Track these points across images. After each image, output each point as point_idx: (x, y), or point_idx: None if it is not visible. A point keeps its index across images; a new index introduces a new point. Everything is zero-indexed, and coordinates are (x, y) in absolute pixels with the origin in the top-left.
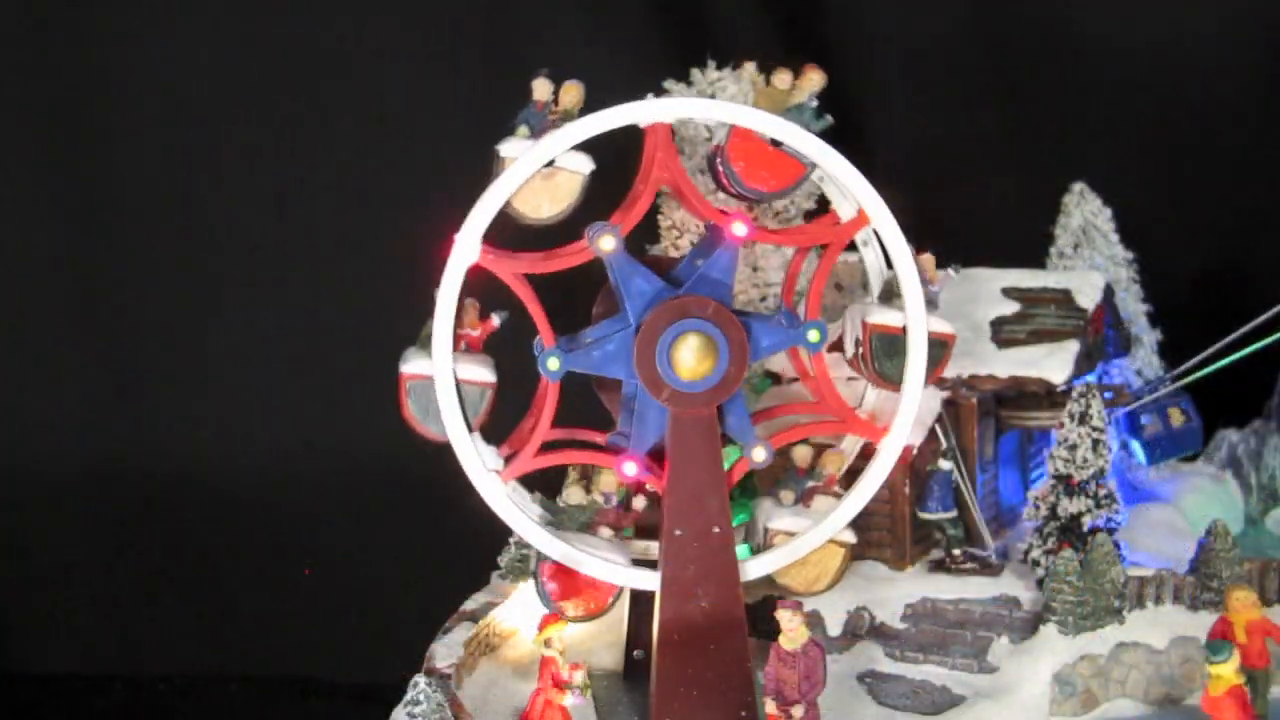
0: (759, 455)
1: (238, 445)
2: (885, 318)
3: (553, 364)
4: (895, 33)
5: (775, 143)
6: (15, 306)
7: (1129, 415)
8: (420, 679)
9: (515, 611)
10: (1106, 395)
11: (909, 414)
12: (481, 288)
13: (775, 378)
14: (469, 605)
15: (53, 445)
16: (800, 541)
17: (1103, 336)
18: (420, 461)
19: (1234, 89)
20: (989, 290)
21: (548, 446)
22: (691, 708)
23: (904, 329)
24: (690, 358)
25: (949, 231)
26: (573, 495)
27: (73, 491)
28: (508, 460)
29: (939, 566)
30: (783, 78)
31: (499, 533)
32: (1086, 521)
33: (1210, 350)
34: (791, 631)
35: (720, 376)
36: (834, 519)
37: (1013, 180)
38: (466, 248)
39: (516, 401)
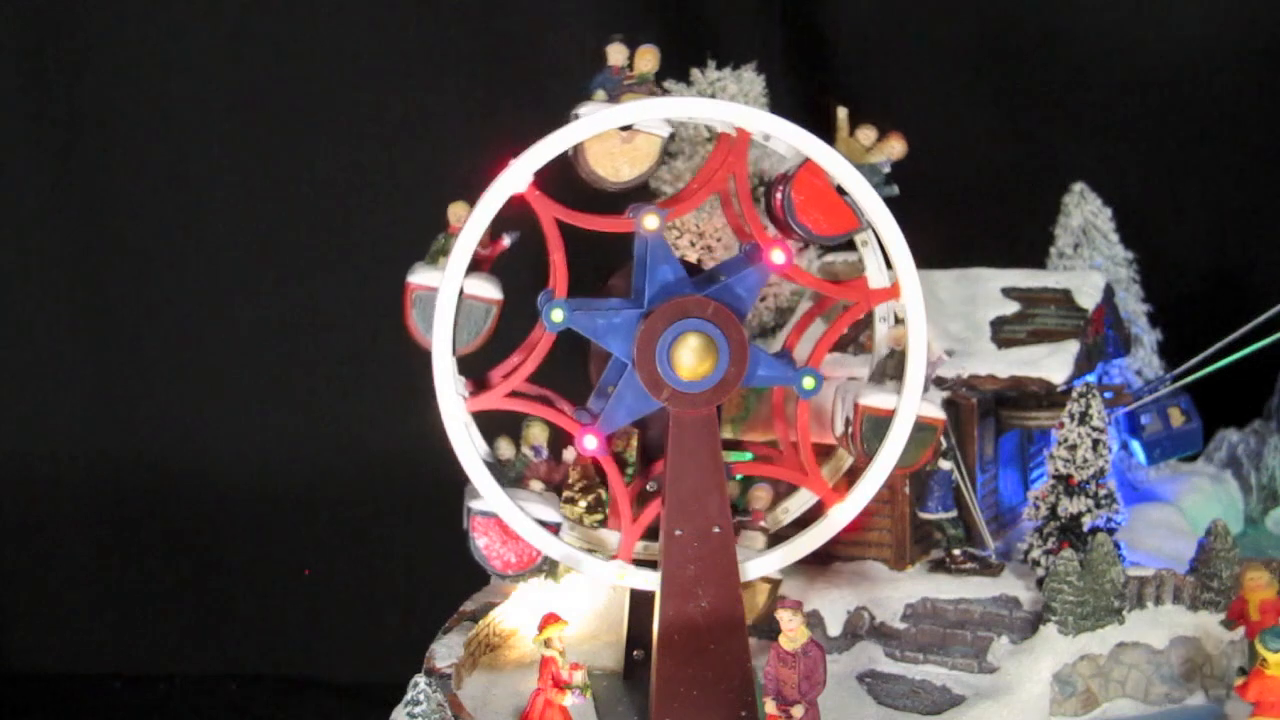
0: (809, 383)
1: (238, 445)
2: (878, 400)
3: (556, 315)
4: (896, 33)
5: (841, 191)
6: (15, 306)
7: (1129, 415)
8: (420, 679)
9: (515, 611)
10: (1106, 395)
11: (870, 489)
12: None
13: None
14: (469, 605)
15: (53, 445)
16: (798, 545)
17: (1103, 336)
18: (421, 461)
19: (1234, 89)
20: (989, 290)
21: (516, 395)
22: (691, 708)
23: (894, 411)
24: (690, 358)
25: (949, 231)
26: (502, 449)
27: (73, 491)
28: (474, 394)
29: (939, 566)
30: (867, 134)
31: None
32: (1086, 521)
33: (1210, 350)
34: (791, 631)
35: (720, 376)
36: (784, 554)
37: (1013, 180)
38: (517, 175)
39: (506, 346)
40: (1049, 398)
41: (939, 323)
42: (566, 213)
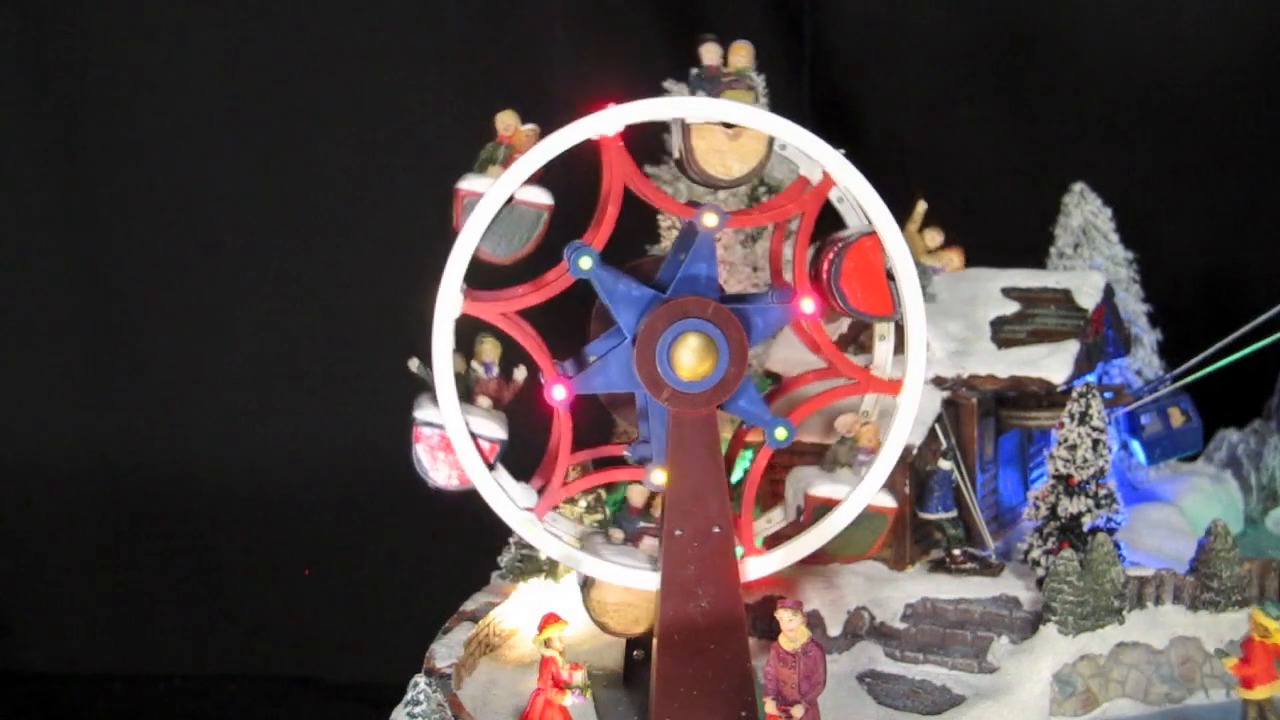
0: (780, 434)
1: (238, 445)
2: (827, 490)
3: (584, 262)
4: (896, 33)
5: (891, 277)
6: (16, 307)
7: (1129, 415)
8: (420, 679)
9: (515, 611)
10: (1106, 395)
11: (919, 359)
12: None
13: (775, 377)
14: (469, 605)
15: (53, 445)
16: (798, 545)
17: (1103, 336)
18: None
19: (1234, 89)
20: (989, 290)
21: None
22: (691, 708)
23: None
24: (690, 358)
25: (950, 231)
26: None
27: (73, 492)
28: (540, 492)
29: (939, 566)
30: (934, 236)
31: (499, 533)
32: (1086, 521)
33: (1210, 350)
34: (791, 631)
35: (720, 376)
36: (866, 487)
37: (1013, 180)
38: (611, 120)
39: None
40: (1049, 398)
41: (939, 323)
42: (515, 301)
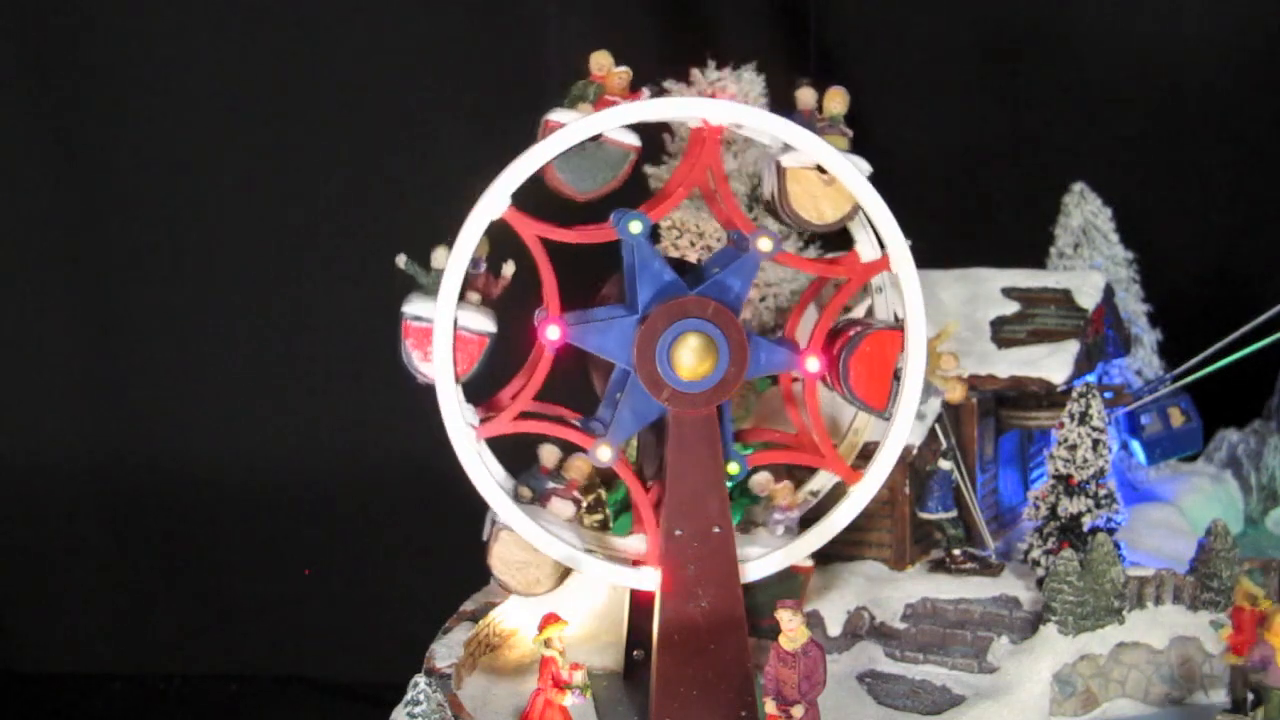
0: (732, 468)
1: (238, 445)
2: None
3: (553, 333)
4: (896, 33)
5: (897, 376)
6: (16, 307)
7: (1129, 415)
8: (420, 679)
9: (515, 611)
10: (1106, 395)
11: (888, 461)
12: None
13: (777, 380)
14: (469, 605)
15: (53, 445)
16: (798, 545)
17: (1103, 336)
18: (421, 462)
19: (1234, 88)
20: (989, 290)
21: (525, 416)
22: (691, 708)
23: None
24: (690, 358)
25: (950, 231)
26: (438, 258)
27: (73, 491)
28: (484, 421)
29: (939, 566)
30: (950, 361)
31: None
32: (1086, 521)
33: (1210, 350)
34: (791, 631)
35: (720, 376)
36: (798, 547)
37: (1013, 180)
38: (493, 200)
39: (507, 369)
40: (1049, 398)
41: (940, 323)
42: (549, 229)
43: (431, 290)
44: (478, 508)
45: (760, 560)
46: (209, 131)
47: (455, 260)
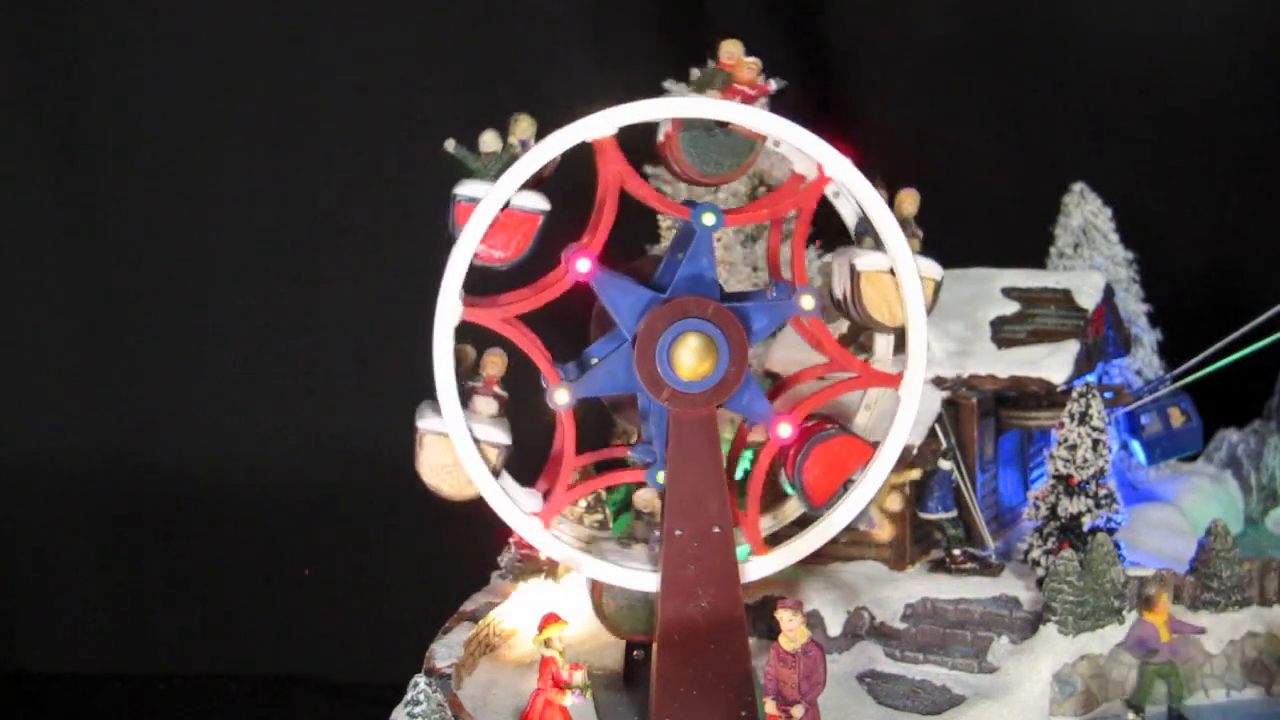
0: (784, 430)
1: (238, 445)
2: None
3: (560, 397)
4: (896, 33)
5: (848, 485)
6: (16, 307)
7: (1129, 415)
8: (420, 679)
9: (515, 611)
10: (1106, 395)
11: (919, 356)
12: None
13: (775, 377)
14: (469, 605)
15: (53, 445)
16: (798, 545)
17: (1103, 336)
18: None
19: (1234, 89)
20: (989, 290)
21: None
22: (691, 708)
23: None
24: (690, 358)
25: (950, 231)
26: (487, 141)
27: (73, 492)
28: (545, 496)
29: (939, 566)
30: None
31: (499, 533)
32: (1086, 521)
33: (1210, 350)
34: (791, 631)
35: (720, 376)
36: (862, 490)
37: (1013, 180)
38: (447, 307)
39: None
40: (1049, 398)
41: (939, 323)
42: (515, 306)
43: (482, 173)
44: (478, 508)
45: (759, 560)
46: (209, 132)
47: (440, 376)
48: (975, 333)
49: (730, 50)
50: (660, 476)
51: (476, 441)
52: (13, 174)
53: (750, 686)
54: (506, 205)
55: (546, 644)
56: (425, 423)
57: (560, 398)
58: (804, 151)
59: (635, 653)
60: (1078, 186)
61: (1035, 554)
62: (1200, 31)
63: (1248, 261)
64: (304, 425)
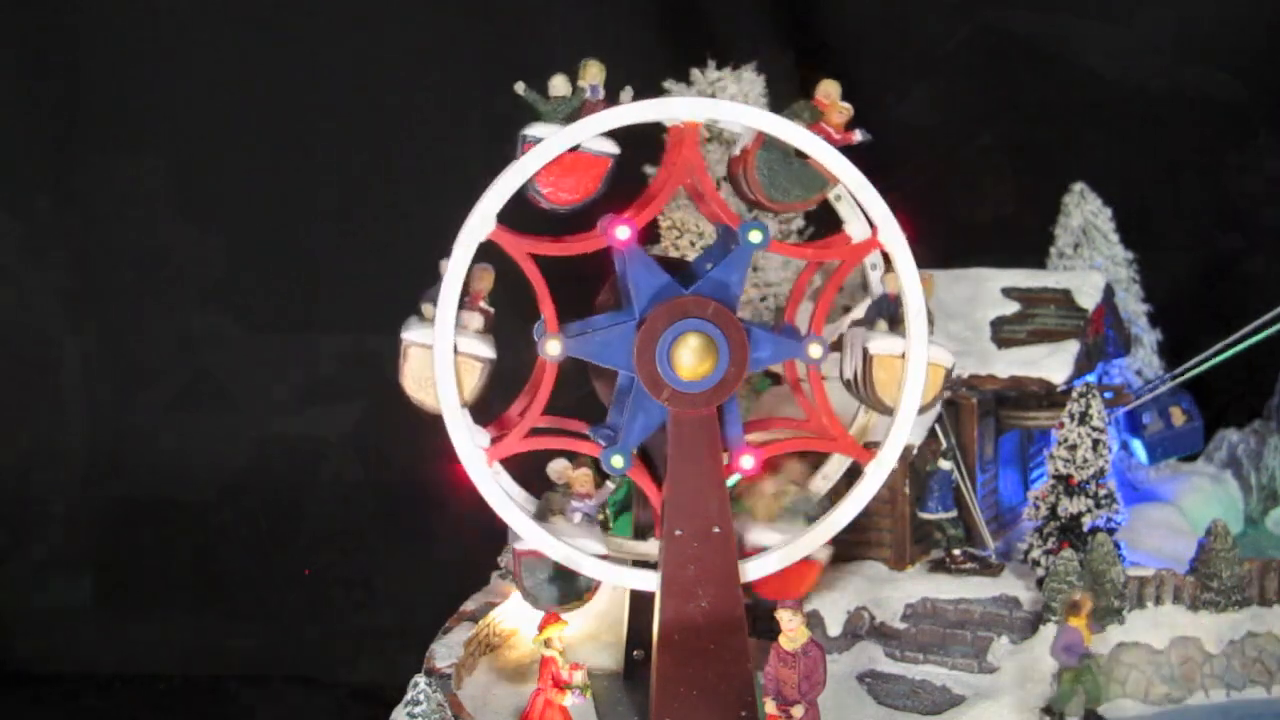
0: (815, 351)
1: (239, 445)
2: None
3: (553, 348)
4: (897, 35)
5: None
6: (17, 307)
7: (1130, 415)
8: (420, 679)
9: (515, 611)
10: (1106, 395)
11: (899, 439)
12: None
13: (776, 378)
14: (469, 605)
15: (53, 444)
16: (779, 554)
17: (1103, 336)
18: (421, 461)
19: (1232, 87)
20: (989, 290)
21: (535, 432)
22: (691, 708)
23: (903, 356)
24: (690, 358)
25: (949, 231)
26: (557, 85)
27: (73, 491)
28: (495, 440)
29: (939, 566)
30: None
31: (499, 533)
32: (1086, 521)
33: (1211, 350)
34: (791, 631)
35: (720, 376)
36: (817, 534)
37: (1013, 181)
38: (481, 221)
39: (513, 387)
40: (1049, 398)
41: (940, 323)
42: (539, 244)
43: (551, 117)
44: (479, 509)
45: (759, 560)
46: (209, 135)
47: (450, 285)
48: (975, 333)
49: (827, 90)
50: (616, 460)
51: (459, 354)
52: (16, 174)
53: (750, 686)
54: (576, 148)
55: (546, 644)
56: (410, 334)
57: (552, 348)
58: (866, 211)
59: (635, 653)
60: (1078, 186)
61: (1035, 554)
62: (1201, 30)
63: (1248, 261)
64: (304, 425)
